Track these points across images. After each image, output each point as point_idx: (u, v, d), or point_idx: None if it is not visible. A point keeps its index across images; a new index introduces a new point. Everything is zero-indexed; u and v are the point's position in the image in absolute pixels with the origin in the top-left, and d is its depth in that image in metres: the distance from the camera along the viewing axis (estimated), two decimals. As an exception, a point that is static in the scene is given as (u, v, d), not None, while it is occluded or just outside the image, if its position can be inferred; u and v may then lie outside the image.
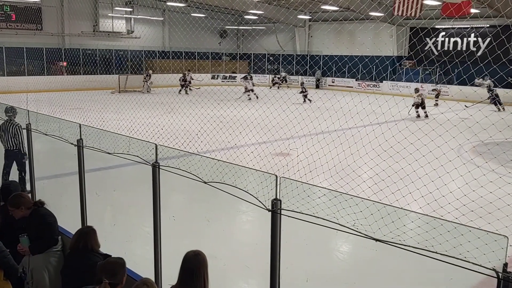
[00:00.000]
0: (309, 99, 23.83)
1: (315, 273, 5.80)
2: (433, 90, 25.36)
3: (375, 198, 4.65)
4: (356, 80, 32.62)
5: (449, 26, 28.75)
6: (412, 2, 19.91)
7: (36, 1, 27.76)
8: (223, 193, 3.39)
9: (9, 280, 3.98)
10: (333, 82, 34.19)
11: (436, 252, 2.40)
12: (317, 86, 35.00)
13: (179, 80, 28.54)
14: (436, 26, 28.92)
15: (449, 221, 2.55)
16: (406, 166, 7.09)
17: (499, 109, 22.11)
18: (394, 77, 31.23)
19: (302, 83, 26.23)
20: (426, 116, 19.53)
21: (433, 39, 30.23)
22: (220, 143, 11.66)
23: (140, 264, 4.39)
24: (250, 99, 25.05)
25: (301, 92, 24.57)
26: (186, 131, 11.58)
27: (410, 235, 2.68)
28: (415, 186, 6.36)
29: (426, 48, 30.73)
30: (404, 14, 21.30)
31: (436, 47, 30.31)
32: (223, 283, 5.38)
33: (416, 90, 20.55)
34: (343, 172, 7.50)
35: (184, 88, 28.50)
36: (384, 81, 31.18)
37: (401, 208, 2.94)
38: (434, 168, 7.07)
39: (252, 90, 25.95)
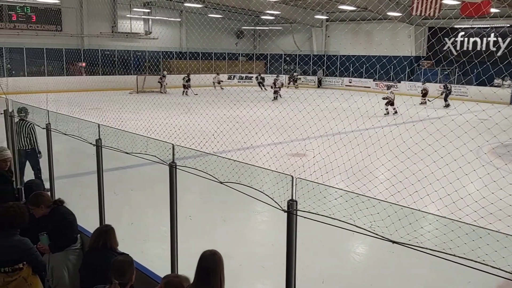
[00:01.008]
0: (275, 97, 25.70)
1: (331, 275, 5.78)
2: (422, 90, 25.86)
3: (392, 199, 4.62)
4: (373, 81, 32.37)
5: (468, 26, 28.36)
6: (431, 1, 19.69)
7: (56, 3, 28.18)
8: (239, 193, 3.40)
9: (38, 275, 4.08)
10: (350, 82, 33.99)
11: (454, 255, 2.37)
12: (319, 86, 35.63)
13: (185, 81, 28.33)
14: (455, 26, 28.54)
15: (467, 223, 2.52)
16: (424, 167, 7.03)
17: (446, 106, 23.41)
18: (412, 77, 30.92)
19: (275, 81, 27.28)
20: (395, 112, 20.15)
21: (452, 39, 29.84)
22: (236, 144, 11.68)
23: (157, 263, 4.43)
24: (276, 98, 26.13)
25: (274, 88, 26.41)
26: (203, 131, 11.64)
27: (428, 237, 2.66)
28: (433, 188, 6.29)
29: (445, 48, 30.34)
30: (422, 14, 21.09)
31: (455, 47, 29.92)
32: (239, 283, 5.40)
33: (388, 87, 21.50)
34: (360, 173, 7.46)
35: (187, 88, 28.26)
36: (402, 82, 30.89)
37: (419, 210, 2.92)
38: (452, 169, 6.98)
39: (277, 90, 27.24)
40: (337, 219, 2.76)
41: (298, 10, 32.37)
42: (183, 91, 28.06)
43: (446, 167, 7.03)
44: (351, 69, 33.44)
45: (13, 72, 27.21)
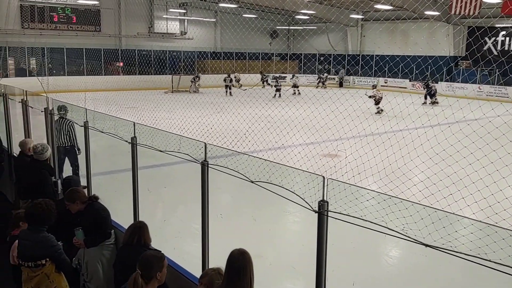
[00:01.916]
0: (275, 94, 26.63)
1: (362, 277, 5.72)
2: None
3: (425, 202, 4.52)
4: (410, 81, 31.73)
5: (508, 25, 27.43)
6: (470, 0, 19.15)
7: (95, 4, 28.95)
8: (270, 193, 3.41)
9: (62, 273, 4.18)
10: (385, 82, 33.43)
11: (489, 260, 2.31)
12: (341, 85, 35.46)
13: (228, 81, 28.80)
14: (495, 25, 27.65)
15: (504, 228, 2.45)
16: (459, 170, 6.84)
17: (425, 103, 24.22)
18: (448, 78, 30.15)
19: (277, 79, 28.62)
20: (380, 111, 20.12)
21: (493, 39, 28.92)
22: (268, 143, 11.69)
23: (188, 260, 4.48)
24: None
25: (275, 86, 27.58)
26: (235, 130, 11.69)
27: (462, 242, 2.60)
28: (469, 191, 6.13)
29: (484, 48, 29.42)
30: (460, 13, 20.52)
31: (495, 46, 28.98)
32: (269, 282, 5.41)
33: (374, 86, 21.68)
34: (393, 175, 7.33)
35: (229, 88, 28.70)
36: (439, 82, 30.17)
37: (453, 214, 2.86)
38: (489, 172, 6.78)
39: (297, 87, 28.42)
40: (369, 221, 2.72)
41: (332, 9, 32.09)
42: (227, 91, 28.46)
43: (483, 170, 6.83)
44: (386, 69, 32.89)
45: (54, 71, 28.09)
